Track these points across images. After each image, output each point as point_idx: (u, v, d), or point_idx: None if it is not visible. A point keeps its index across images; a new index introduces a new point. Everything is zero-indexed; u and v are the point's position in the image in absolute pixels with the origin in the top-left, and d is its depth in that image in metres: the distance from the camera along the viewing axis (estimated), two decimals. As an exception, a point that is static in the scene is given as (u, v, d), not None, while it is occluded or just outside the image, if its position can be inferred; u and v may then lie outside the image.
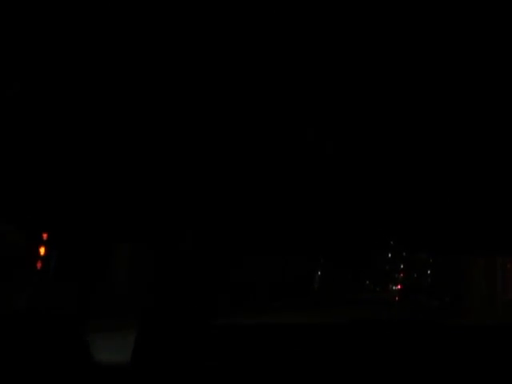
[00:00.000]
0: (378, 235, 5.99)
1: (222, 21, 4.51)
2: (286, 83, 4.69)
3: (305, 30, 4.42)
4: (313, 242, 5.81)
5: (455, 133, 4.91)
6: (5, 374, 4.03)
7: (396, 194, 5.41)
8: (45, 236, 5.30)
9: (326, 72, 4.71)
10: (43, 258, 5.33)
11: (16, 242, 5.29)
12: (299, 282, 5.94)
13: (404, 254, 6.13)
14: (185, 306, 4.94)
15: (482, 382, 4.71)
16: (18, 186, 4.77)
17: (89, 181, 4.83)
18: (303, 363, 4.85)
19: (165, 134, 4.72)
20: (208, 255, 5.11)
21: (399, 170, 5.25)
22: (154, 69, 4.69)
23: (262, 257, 5.64)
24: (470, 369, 4.73)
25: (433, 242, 5.69)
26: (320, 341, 4.92)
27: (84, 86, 4.58)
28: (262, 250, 5.36)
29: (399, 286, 5.85)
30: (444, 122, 4.92)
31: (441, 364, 4.72)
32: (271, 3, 4.38)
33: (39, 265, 5.33)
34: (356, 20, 4.32)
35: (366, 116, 4.95)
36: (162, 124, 4.80)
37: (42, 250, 5.32)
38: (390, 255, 6.06)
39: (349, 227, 5.74)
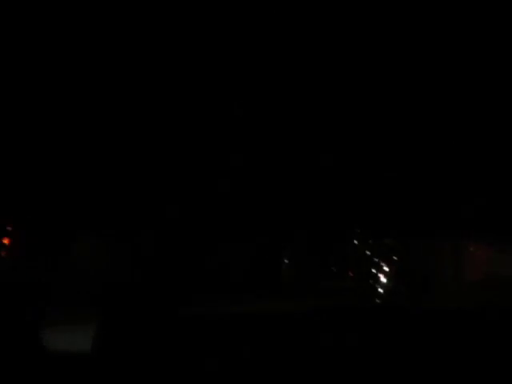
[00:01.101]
0: (344, 222, 5.99)
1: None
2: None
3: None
4: (279, 228, 5.79)
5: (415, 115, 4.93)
6: None
7: (359, 178, 5.41)
8: (10, 227, 5.21)
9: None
10: (7, 248, 5.24)
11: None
12: (266, 270, 5.91)
13: (370, 241, 6.14)
14: (149, 296, 4.89)
15: (449, 365, 4.75)
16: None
17: (51, 172, 4.75)
18: (273, 352, 4.83)
19: (129, 120, 4.65)
20: (170, 244, 5.06)
21: (362, 155, 5.24)
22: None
23: (226, 247, 5.61)
24: (434, 353, 4.77)
25: (398, 228, 5.71)
26: (287, 329, 4.91)
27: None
28: (227, 237, 5.31)
29: (378, 272, 5.89)
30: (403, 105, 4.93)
31: (406, 348, 4.75)
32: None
33: (3, 253, 5.24)
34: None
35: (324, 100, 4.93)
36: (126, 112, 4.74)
37: (7, 240, 5.23)
38: (356, 242, 6.06)
39: (314, 213, 5.72)
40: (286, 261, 6.17)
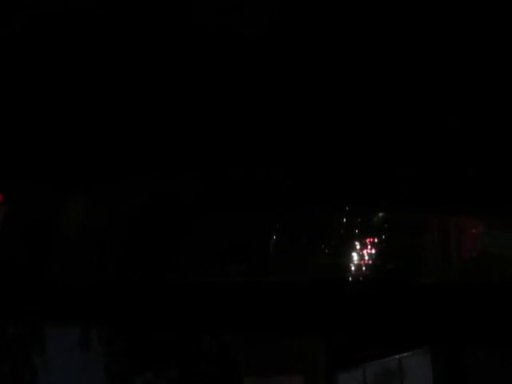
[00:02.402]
0: (333, 198, 5.99)
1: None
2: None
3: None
4: (268, 204, 5.78)
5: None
6: None
7: (347, 155, 5.39)
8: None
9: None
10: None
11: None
12: (254, 246, 5.92)
13: (359, 219, 6.17)
14: (140, 261, 4.88)
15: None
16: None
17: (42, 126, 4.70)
18: (270, 322, 4.84)
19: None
20: (163, 212, 5.05)
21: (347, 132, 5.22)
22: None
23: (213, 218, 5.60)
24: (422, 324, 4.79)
25: (385, 203, 5.71)
26: (278, 300, 4.92)
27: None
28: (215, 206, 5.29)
29: (366, 251, 5.89)
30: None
31: (396, 319, 4.76)
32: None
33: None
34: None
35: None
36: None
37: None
38: (344, 220, 6.08)
39: (302, 189, 5.72)
40: (274, 237, 6.17)
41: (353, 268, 5.89)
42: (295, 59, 4.51)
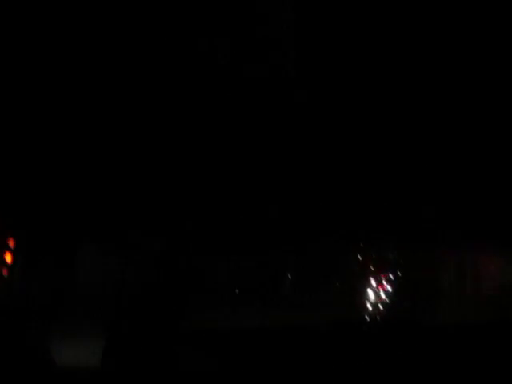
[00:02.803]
0: (347, 235, 5.96)
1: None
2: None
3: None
4: (281, 242, 5.76)
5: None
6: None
7: (361, 191, 5.38)
8: (11, 243, 5.16)
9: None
10: (9, 266, 5.19)
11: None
12: (268, 286, 5.87)
13: (373, 255, 6.10)
14: (154, 309, 4.85)
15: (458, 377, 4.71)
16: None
17: (55, 179, 4.71)
18: (286, 367, 4.79)
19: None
20: (178, 257, 5.03)
21: (362, 172, 5.22)
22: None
23: (228, 260, 5.57)
24: (445, 366, 4.72)
25: (401, 240, 5.67)
26: (302, 344, 4.87)
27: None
28: (232, 250, 5.28)
29: (383, 288, 5.82)
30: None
31: (420, 361, 4.71)
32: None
33: (5, 272, 5.19)
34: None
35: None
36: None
37: (9, 258, 5.18)
38: (359, 257, 6.02)
39: (317, 228, 5.69)
40: (288, 275, 6.13)
41: (369, 307, 5.84)
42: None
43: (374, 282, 5.94)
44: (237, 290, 5.51)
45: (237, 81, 4.54)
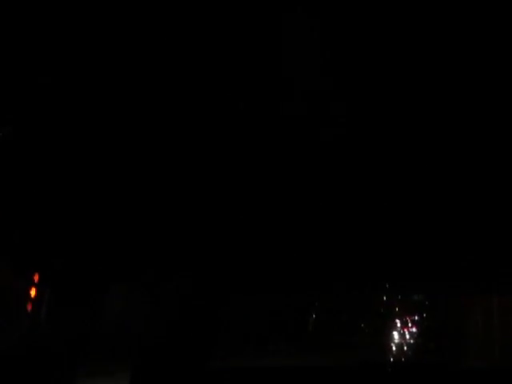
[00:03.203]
0: (373, 277, 5.95)
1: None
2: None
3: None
4: (307, 284, 5.77)
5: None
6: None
7: (389, 236, 5.39)
8: (36, 277, 5.20)
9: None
10: (34, 300, 5.23)
11: (4, 283, 5.18)
12: (293, 325, 5.86)
13: (399, 296, 6.07)
14: (181, 349, 4.85)
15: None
16: (6, 223, 4.69)
17: (83, 219, 4.76)
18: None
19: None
20: (205, 296, 5.04)
21: (389, 211, 5.23)
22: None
23: (255, 298, 5.57)
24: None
25: (428, 283, 5.66)
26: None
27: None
28: (256, 290, 5.29)
29: (408, 329, 5.80)
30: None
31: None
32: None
33: (30, 307, 5.22)
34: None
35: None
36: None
37: (33, 292, 5.21)
38: (385, 298, 6.00)
39: (343, 270, 5.70)
40: (313, 316, 6.14)
41: (394, 349, 5.81)
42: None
43: (399, 324, 5.92)
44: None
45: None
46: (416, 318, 5.81)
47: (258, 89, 4.07)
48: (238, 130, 4.41)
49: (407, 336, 5.83)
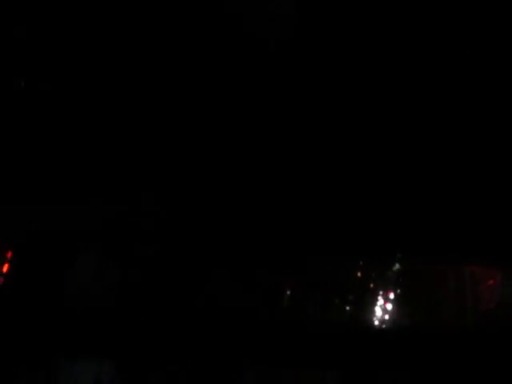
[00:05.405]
0: (348, 253, 5.97)
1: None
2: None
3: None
4: (282, 258, 5.75)
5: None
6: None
7: (366, 211, 5.40)
8: (9, 254, 5.17)
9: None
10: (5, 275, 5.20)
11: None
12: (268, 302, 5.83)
13: (373, 274, 6.09)
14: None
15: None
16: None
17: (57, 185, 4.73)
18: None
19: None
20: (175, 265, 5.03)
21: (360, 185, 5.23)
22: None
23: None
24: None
25: (402, 253, 5.68)
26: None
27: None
28: (227, 262, 5.26)
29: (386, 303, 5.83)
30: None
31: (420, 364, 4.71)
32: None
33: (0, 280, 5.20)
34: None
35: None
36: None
37: (5, 268, 5.19)
38: (359, 274, 6.00)
39: (320, 244, 5.71)
40: (288, 292, 6.11)
41: (368, 322, 5.82)
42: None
43: (372, 297, 5.93)
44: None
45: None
46: (391, 292, 5.84)
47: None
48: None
49: (381, 310, 5.85)
